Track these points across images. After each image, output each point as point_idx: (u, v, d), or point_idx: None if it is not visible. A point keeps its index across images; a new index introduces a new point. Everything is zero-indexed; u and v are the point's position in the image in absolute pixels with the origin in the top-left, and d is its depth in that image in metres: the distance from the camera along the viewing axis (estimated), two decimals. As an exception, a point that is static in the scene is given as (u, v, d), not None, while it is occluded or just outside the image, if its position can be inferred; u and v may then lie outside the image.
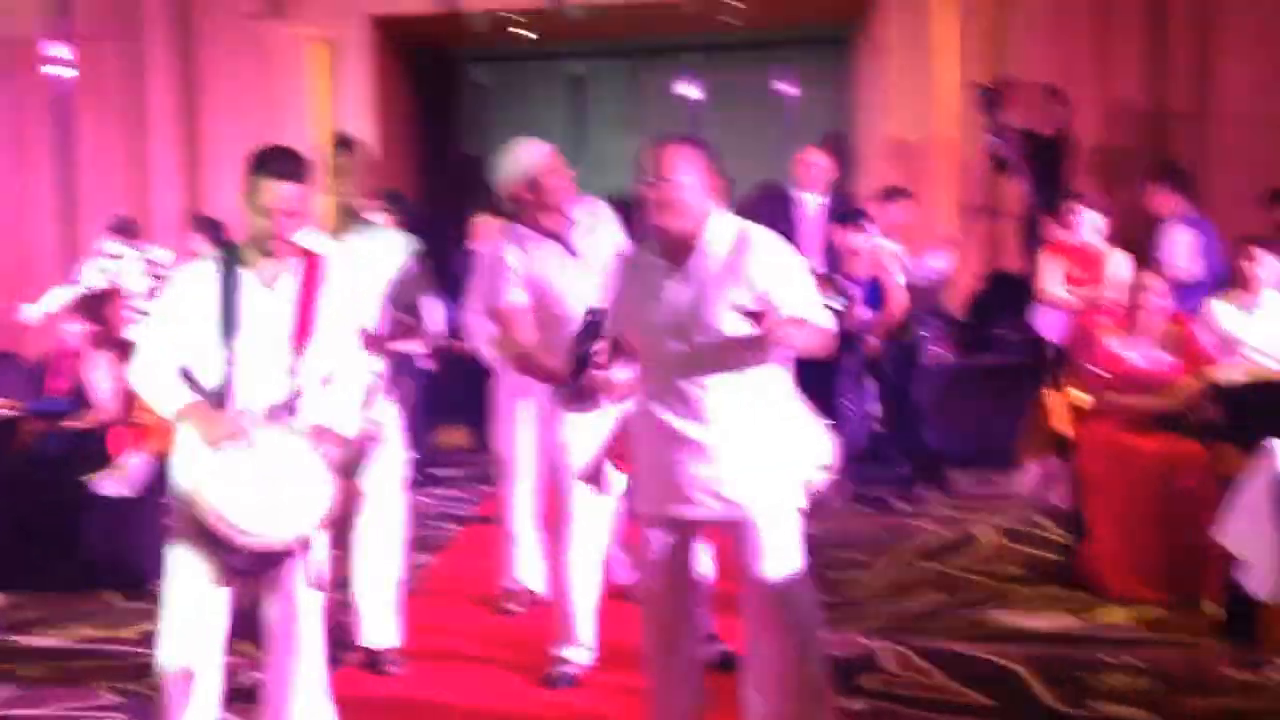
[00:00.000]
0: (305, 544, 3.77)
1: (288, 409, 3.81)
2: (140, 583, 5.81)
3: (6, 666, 5.15)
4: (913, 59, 10.06)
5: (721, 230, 3.65)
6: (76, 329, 7.01)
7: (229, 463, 3.63)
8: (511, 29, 11.19)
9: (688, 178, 3.59)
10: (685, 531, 3.75)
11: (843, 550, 6.39)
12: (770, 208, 7.84)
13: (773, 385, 3.68)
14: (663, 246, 3.68)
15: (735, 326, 3.51)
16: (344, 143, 5.26)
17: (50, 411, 6.88)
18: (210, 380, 3.76)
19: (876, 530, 6.94)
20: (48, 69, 10.56)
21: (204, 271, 3.86)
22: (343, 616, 5.14)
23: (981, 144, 9.38)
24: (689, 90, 12.37)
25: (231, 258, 3.85)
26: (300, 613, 3.88)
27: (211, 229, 8.99)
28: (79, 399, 6.78)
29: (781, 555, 3.66)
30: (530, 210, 4.76)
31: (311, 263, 3.90)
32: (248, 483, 3.62)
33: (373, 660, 4.99)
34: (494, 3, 10.43)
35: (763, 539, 3.64)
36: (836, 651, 4.86)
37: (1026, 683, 4.67)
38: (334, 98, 10.46)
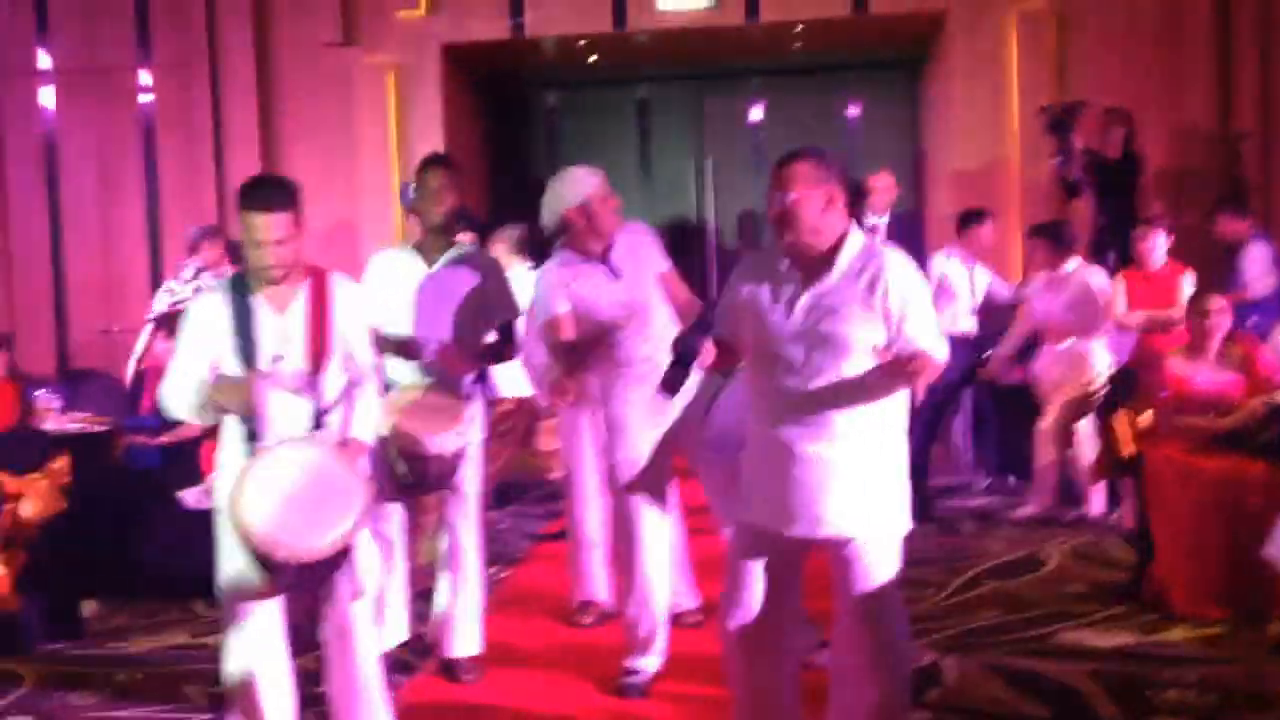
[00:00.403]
0: (346, 557, 3.87)
1: (313, 425, 3.96)
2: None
3: (102, 671, 5.38)
4: (980, 83, 10.13)
5: (855, 248, 3.64)
6: (165, 347, 7.25)
7: (261, 480, 3.74)
8: (579, 55, 11.39)
9: (810, 193, 3.58)
10: (787, 549, 3.75)
11: (910, 568, 6.46)
12: None
13: (890, 406, 3.66)
14: (792, 260, 3.66)
15: (861, 351, 3.52)
16: (434, 162, 5.30)
17: (142, 427, 7.15)
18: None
19: (944, 549, 7.03)
20: (135, 97, 10.93)
21: (216, 301, 4.00)
22: (422, 626, 5.36)
23: (1049, 167, 9.43)
24: (755, 114, 12.48)
25: (241, 286, 3.99)
26: (350, 624, 4.01)
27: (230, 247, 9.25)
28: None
29: (882, 579, 3.67)
30: (579, 234, 4.96)
31: (321, 282, 4.03)
32: (277, 498, 3.72)
33: (449, 669, 5.14)
34: (562, 29, 10.60)
35: (866, 561, 3.65)
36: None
37: (1087, 697, 4.74)
38: (406, 123, 10.68)
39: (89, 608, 6.20)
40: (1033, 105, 9.56)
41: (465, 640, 5.16)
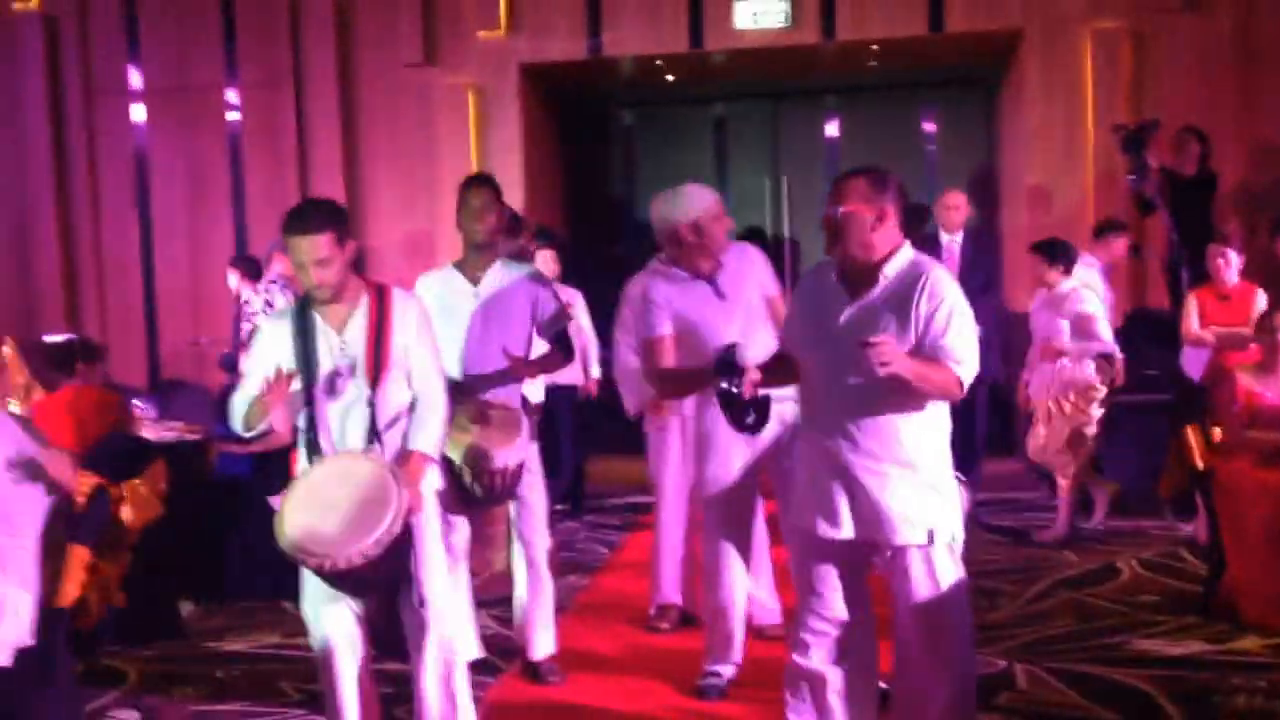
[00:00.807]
0: (401, 564, 3.94)
1: (371, 439, 4.03)
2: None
3: (200, 669, 5.61)
4: (1055, 101, 10.18)
5: (901, 264, 3.75)
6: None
7: (298, 490, 3.88)
8: (656, 74, 11.55)
9: (861, 208, 3.70)
10: (844, 555, 3.84)
11: (985, 579, 6.57)
12: (920, 248, 8.12)
13: (938, 417, 3.76)
14: (840, 273, 3.80)
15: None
16: (476, 181, 5.35)
17: (233, 436, 7.36)
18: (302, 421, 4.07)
19: (1020, 560, 7.12)
20: (223, 116, 11.25)
21: (281, 322, 4.15)
22: (504, 629, 5.56)
23: (1124, 185, 9.46)
24: (830, 131, 12.57)
25: (305, 305, 4.11)
26: (421, 627, 4.09)
27: (249, 267, 9.48)
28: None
29: (938, 584, 3.73)
30: (689, 251, 4.92)
31: (381, 299, 4.10)
32: (310, 508, 3.82)
33: (533, 670, 5.29)
34: (639, 49, 10.76)
35: (918, 567, 3.73)
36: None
37: (1155, 702, 4.83)
38: (485, 141, 10.89)
39: (186, 609, 6.46)
40: (1108, 123, 9.60)
41: (544, 642, 5.29)
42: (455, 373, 4.99)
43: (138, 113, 11.43)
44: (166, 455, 6.12)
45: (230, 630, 6.22)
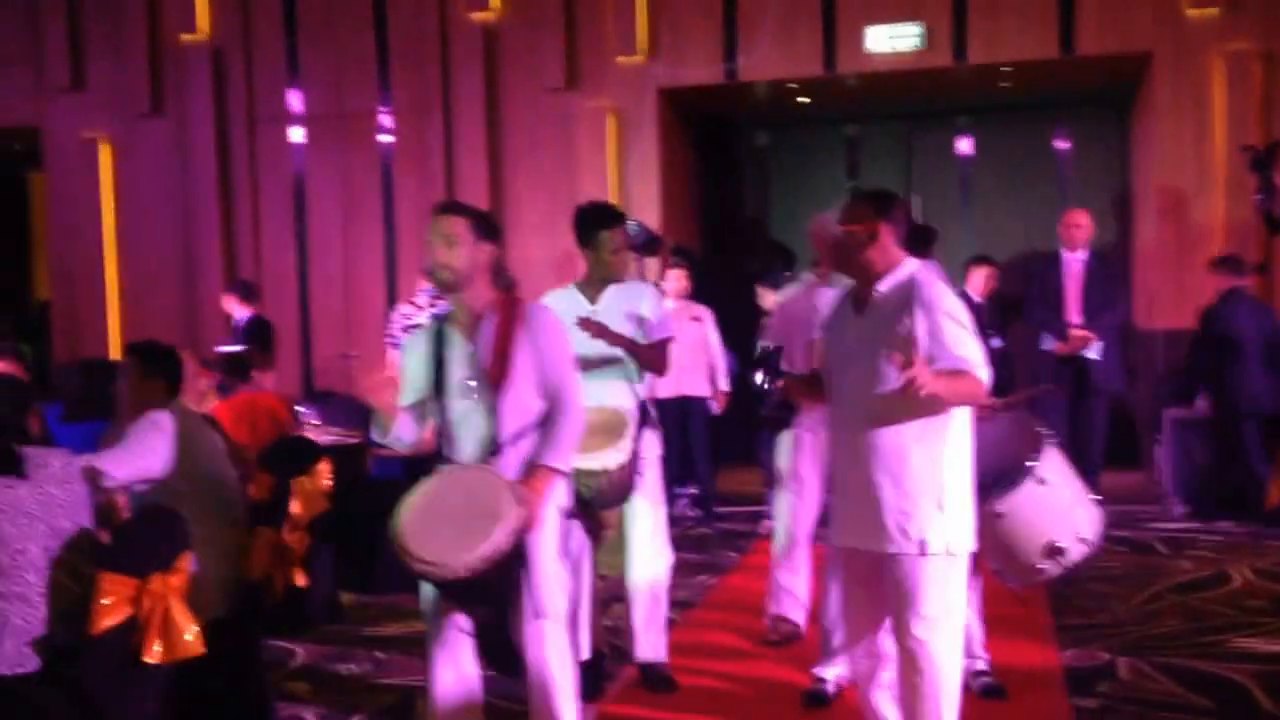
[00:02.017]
0: (512, 576, 3.90)
1: (493, 450, 4.02)
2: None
3: (362, 650, 6.14)
4: (1185, 121, 10.25)
5: (895, 279, 3.93)
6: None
7: (412, 501, 3.88)
8: (790, 96, 11.84)
9: (856, 228, 3.94)
10: (863, 563, 3.98)
11: (1098, 583, 6.77)
12: (1041, 266, 8.36)
13: (949, 429, 3.86)
14: (852, 291, 4.09)
15: (889, 371, 3.74)
16: (615, 218, 5.44)
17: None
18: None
19: (1134, 567, 7.31)
20: (376, 139, 11.83)
21: (422, 333, 4.23)
22: (615, 636, 5.77)
23: (1252, 204, 9.53)
24: (963, 150, 12.72)
25: (443, 318, 4.20)
26: (532, 642, 4.02)
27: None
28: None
29: (932, 600, 3.84)
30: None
31: (511, 310, 4.11)
32: (422, 518, 3.81)
33: (646, 676, 5.42)
34: (773, 73, 11.05)
35: (913, 579, 3.84)
36: (1078, 664, 5.43)
37: (1249, 691, 5.07)
38: (624, 162, 11.28)
39: (347, 597, 6.95)
40: (1238, 143, 9.67)
41: (653, 645, 5.40)
42: None
43: (296, 137, 12.01)
44: (330, 456, 6.63)
45: (385, 617, 6.72)
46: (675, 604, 6.69)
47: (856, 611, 4.11)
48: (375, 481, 7.55)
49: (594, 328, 5.03)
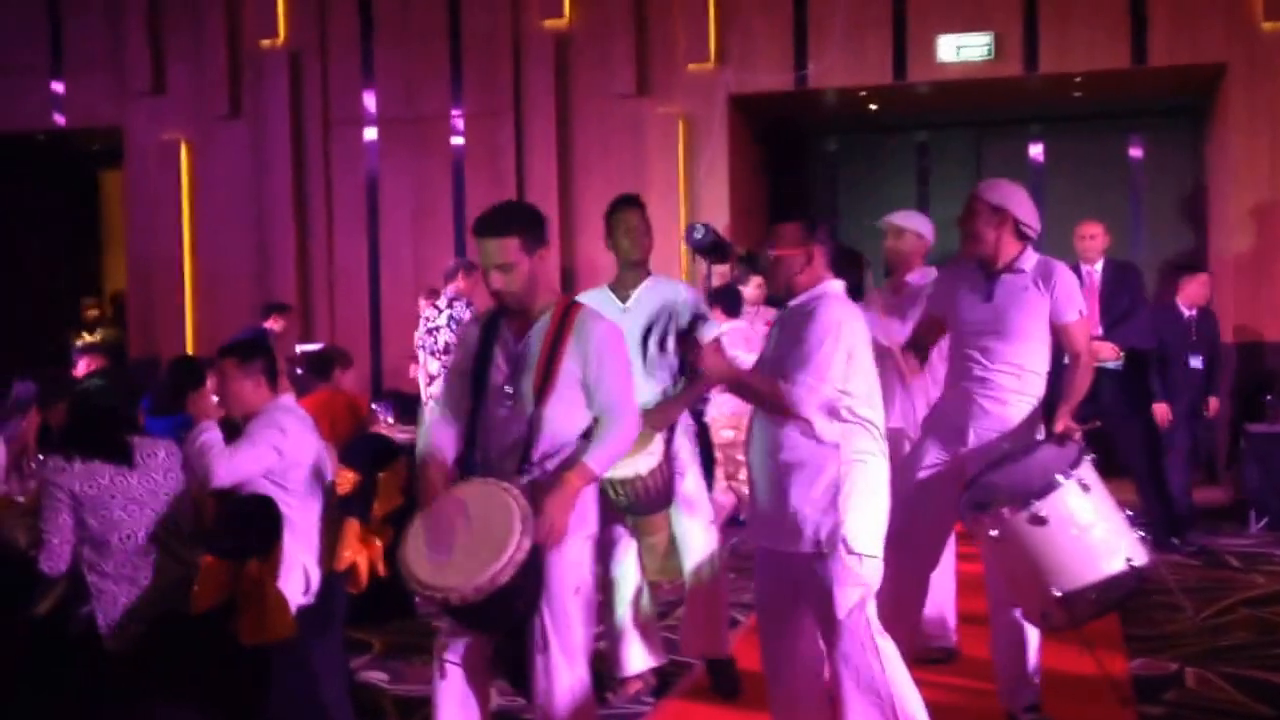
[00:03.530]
0: (520, 603, 3.74)
1: (522, 466, 3.81)
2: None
3: (431, 643, 6.18)
4: (1259, 132, 10.21)
5: (813, 295, 4.18)
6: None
7: (418, 522, 3.79)
8: (860, 103, 11.88)
9: (798, 251, 4.20)
10: (776, 562, 4.13)
11: (1168, 594, 6.77)
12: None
13: (827, 425, 3.98)
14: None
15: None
16: (627, 203, 5.43)
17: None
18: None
19: (1207, 580, 7.30)
20: (448, 143, 12.02)
21: (473, 328, 4.04)
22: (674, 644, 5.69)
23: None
24: (1035, 158, 12.68)
25: (496, 313, 3.98)
26: (539, 671, 3.85)
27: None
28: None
29: (828, 593, 3.95)
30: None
31: (563, 313, 3.90)
32: (426, 540, 3.71)
33: (712, 673, 5.38)
34: (843, 81, 11.10)
35: (810, 576, 3.98)
36: (1145, 673, 5.46)
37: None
38: (693, 168, 11.38)
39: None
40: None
41: (716, 642, 5.36)
42: None
43: (370, 139, 12.23)
44: (405, 453, 6.76)
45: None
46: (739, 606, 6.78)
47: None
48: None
49: (655, 419, 4.94)
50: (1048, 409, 4.71)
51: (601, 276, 11.20)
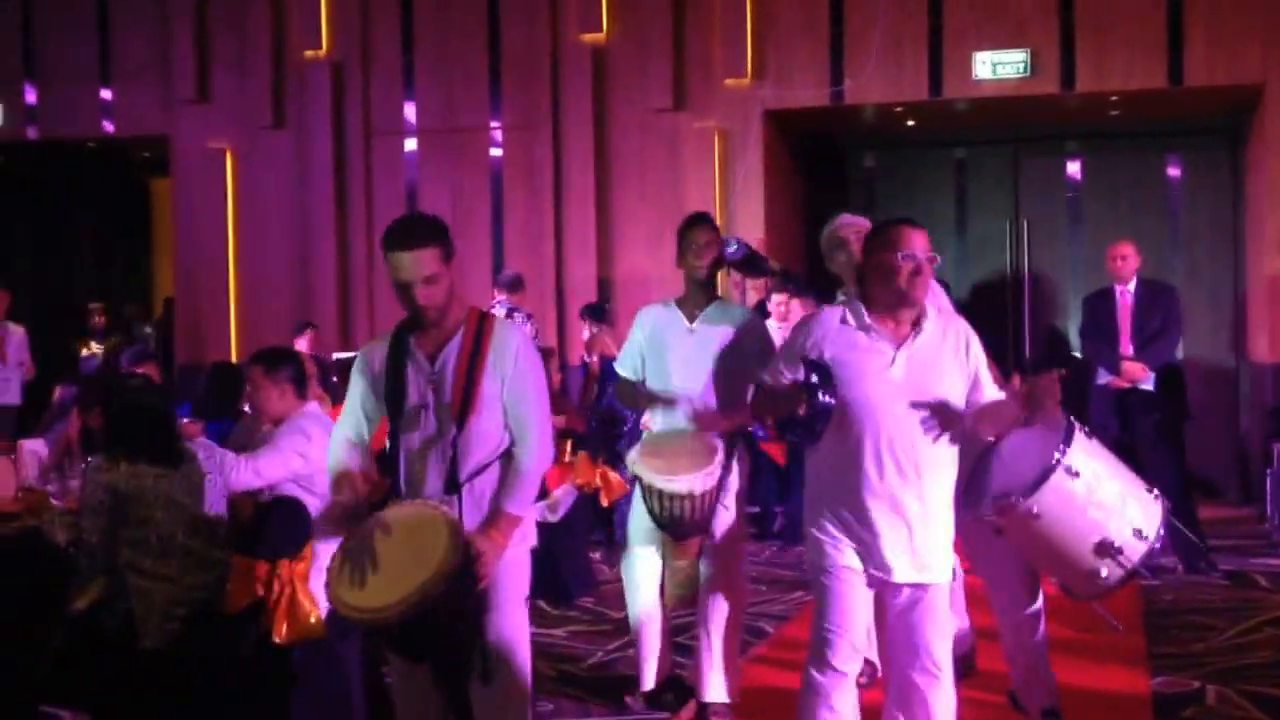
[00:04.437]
0: (458, 634, 3.58)
1: (451, 486, 3.64)
2: (568, 595, 6.93)
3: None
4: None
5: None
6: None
7: (353, 542, 3.54)
8: (897, 119, 11.92)
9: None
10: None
11: (1197, 614, 6.80)
12: (1093, 300, 8.36)
13: None
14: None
15: None
16: (697, 220, 5.35)
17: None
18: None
19: (1234, 599, 7.30)
20: (487, 154, 12.14)
21: (377, 349, 3.81)
22: (682, 669, 5.62)
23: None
24: (1072, 175, 12.65)
25: (402, 332, 3.76)
26: (479, 706, 3.67)
27: None
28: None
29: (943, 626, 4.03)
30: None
31: (479, 328, 3.71)
32: (361, 560, 3.48)
33: (702, 714, 5.22)
34: (880, 97, 11.15)
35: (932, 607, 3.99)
36: (1167, 690, 5.50)
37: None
38: (729, 182, 11.44)
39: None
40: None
41: (716, 686, 5.18)
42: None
43: (410, 150, 12.37)
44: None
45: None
46: (772, 617, 6.85)
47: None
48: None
49: (706, 420, 4.97)
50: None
51: (637, 289, 11.39)
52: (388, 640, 3.60)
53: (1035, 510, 4.18)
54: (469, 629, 3.59)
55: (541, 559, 7.14)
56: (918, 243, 3.89)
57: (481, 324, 3.72)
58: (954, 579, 5.19)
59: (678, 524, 4.91)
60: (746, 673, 5.54)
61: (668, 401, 5.16)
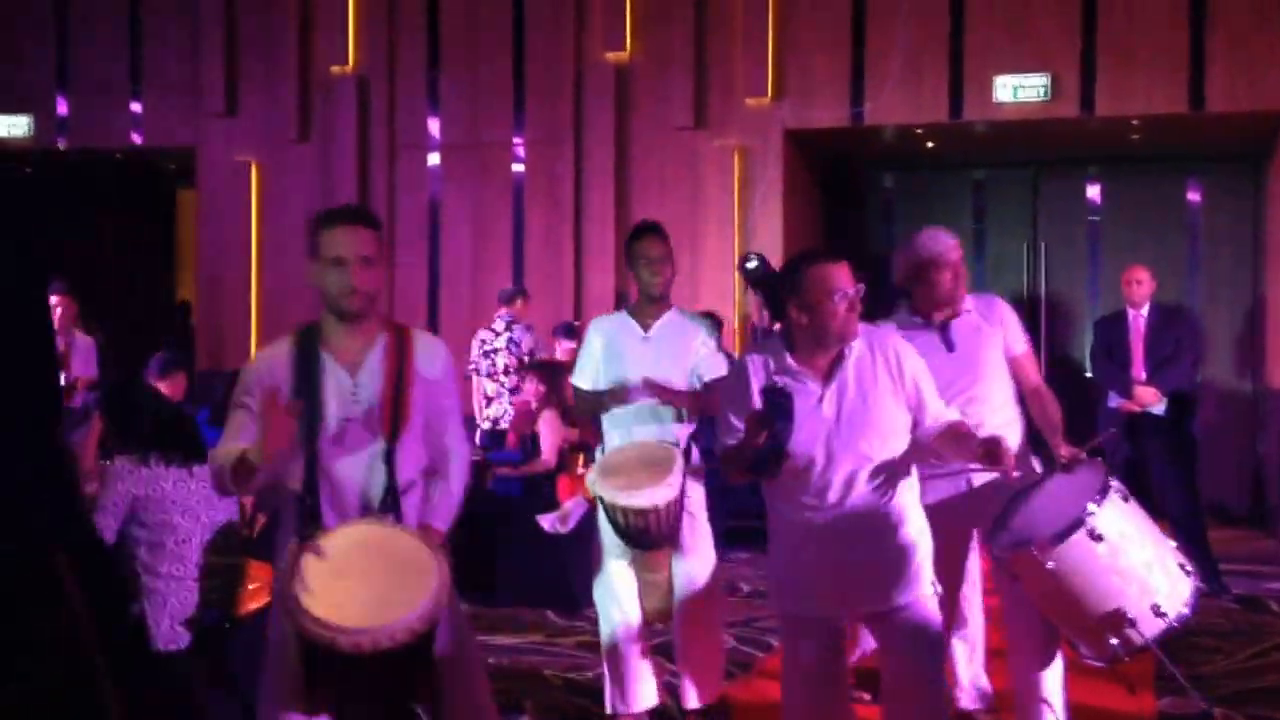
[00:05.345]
0: (414, 669, 3.31)
1: (389, 505, 3.45)
2: (576, 606, 6.99)
3: (482, 654, 6.34)
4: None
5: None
6: (530, 388, 8.28)
7: (328, 565, 3.25)
8: (916, 140, 11.96)
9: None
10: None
11: (1204, 637, 6.80)
12: (1106, 323, 8.39)
13: None
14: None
15: None
16: (649, 231, 5.23)
17: (506, 460, 8.20)
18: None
19: (1245, 624, 7.31)
20: (508, 169, 12.21)
21: (278, 354, 3.50)
22: (671, 680, 5.61)
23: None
24: (1091, 199, 12.67)
25: (309, 338, 3.48)
26: None
27: None
28: (530, 449, 8.04)
29: (934, 642, 3.98)
30: (918, 298, 4.90)
31: (400, 338, 3.55)
32: (338, 580, 3.22)
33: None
34: (899, 119, 11.19)
35: (917, 626, 3.93)
36: (1172, 711, 5.54)
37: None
38: (748, 201, 11.50)
39: (464, 608, 7.22)
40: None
41: (700, 691, 5.20)
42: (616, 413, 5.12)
43: (433, 164, 12.45)
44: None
45: (496, 629, 7.03)
46: (776, 631, 6.86)
47: None
48: (495, 498, 7.86)
49: (655, 390, 4.96)
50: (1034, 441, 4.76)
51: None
52: (336, 665, 3.17)
53: (1051, 565, 4.06)
54: (425, 670, 3.36)
55: (551, 570, 7.32)
56: (845, 279, 3.83)
57: (401, 334, 3.57)
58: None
59: (644, 536, 4.89)
60: (750, 687, 5.59)
61: (625, 399, 5.08)
